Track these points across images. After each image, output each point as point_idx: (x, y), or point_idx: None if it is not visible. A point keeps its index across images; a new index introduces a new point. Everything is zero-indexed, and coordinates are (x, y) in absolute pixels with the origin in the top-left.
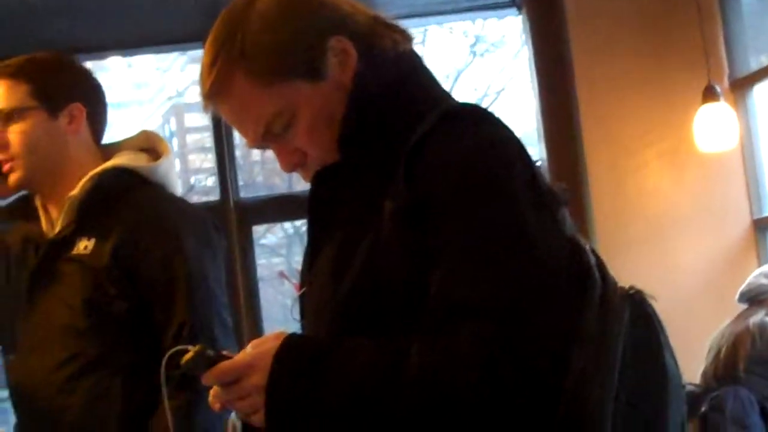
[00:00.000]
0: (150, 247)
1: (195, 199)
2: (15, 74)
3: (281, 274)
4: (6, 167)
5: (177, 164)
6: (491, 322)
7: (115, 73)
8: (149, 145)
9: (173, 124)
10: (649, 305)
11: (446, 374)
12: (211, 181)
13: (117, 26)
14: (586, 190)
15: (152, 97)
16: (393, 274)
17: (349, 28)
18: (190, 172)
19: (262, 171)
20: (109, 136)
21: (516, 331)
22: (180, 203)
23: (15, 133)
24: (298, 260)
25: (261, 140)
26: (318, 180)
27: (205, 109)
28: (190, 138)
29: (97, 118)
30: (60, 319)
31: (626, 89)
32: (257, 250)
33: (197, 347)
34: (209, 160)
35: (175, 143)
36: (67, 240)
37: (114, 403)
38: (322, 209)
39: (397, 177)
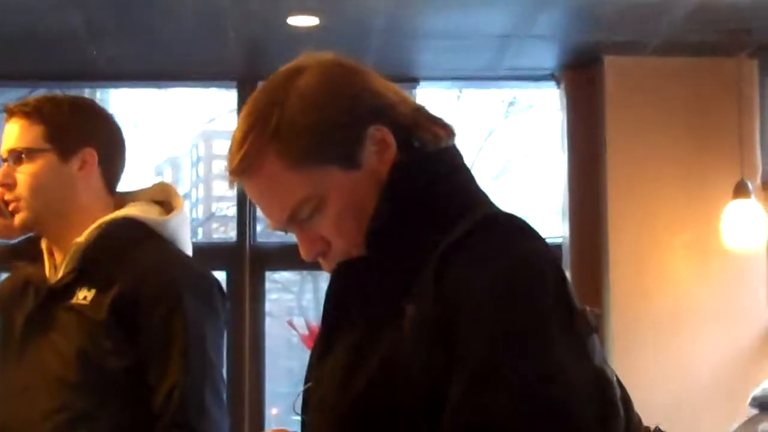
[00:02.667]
0: (151, 304)
1: (214, 227)
2: (31, 114)
3: (290, 323)
4: (11, 207)
5: (201, 190)
6: None
7: (147, 93)
8: (164, 197)
9: (201, 150)
10: None
11: None
12: (233, 211)
13: (155, 57)
14: (605, 272)
15: (182, 120)
16: (408, 382)
17: (391, 117)
18: (213, 199)
19: None
20: (136, 154)
21: None
22: (187, 262)
23: (23, 173)
24: (308, 298)
25: (285, 224)
26: (339, 272)
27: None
28: (216, 165)
29: (112, 165)
30: (51, 369)
31: (658, 175)
32: (268, 285)
33: None
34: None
35: (201, 169)
36: (67, 287)
37: None
38: (340, 302)
39: (424, 281)
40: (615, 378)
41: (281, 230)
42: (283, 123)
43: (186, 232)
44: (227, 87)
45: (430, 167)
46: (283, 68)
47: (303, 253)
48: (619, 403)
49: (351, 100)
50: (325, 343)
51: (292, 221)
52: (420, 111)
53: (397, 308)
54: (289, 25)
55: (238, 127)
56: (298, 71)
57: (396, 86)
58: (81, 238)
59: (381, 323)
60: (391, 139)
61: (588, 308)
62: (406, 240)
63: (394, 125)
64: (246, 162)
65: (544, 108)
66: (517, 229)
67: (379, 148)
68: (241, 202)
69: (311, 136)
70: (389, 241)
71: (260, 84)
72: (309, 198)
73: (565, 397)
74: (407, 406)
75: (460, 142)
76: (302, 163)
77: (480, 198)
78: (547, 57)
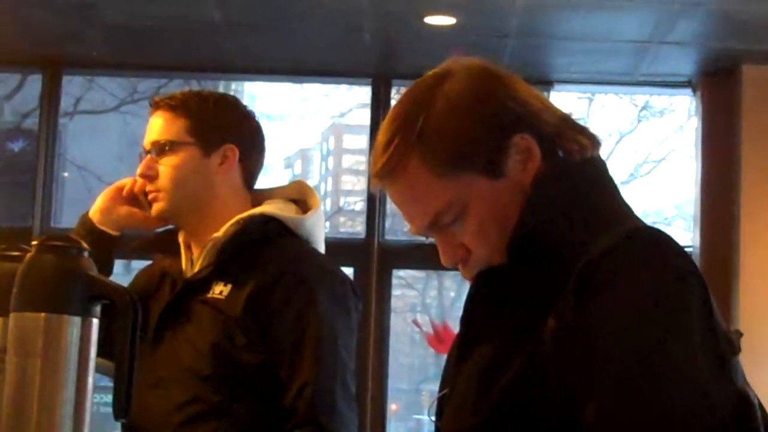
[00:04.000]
0: (285, 301)
1: (341, 221)
2: (176, 108)
3: (415, 322)
4: (150, 197)
5: (330, 184)
6: None
7: (279, 86)
8: (300, 196)
9: (331, 143)
10: None
11: None
12: (360, 206)
13: (291, 53)
14: (735, 283)
15: (314, 113)
16: (545, 395)
17: (536, 126)
18: (341, 193)
19: None
20: (268, 148)
21: None
22: (322, 260)
23: (166, 165)
24: (432, 296)
25: (426, 229)
26: (480, 280)
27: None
28: (346, 159)
29: (251, 163)
30: (185, 361)
31: None
32: (393, 281)
33: None
34: (361, 183)
35: (330, 162)
36: (203, 281)
37: None
38: (479, 311)
39: (566, 294)
40: (757, 401)
41: (422, 235)
42: (428, 128)
43: (321, 231)
44: (362, 84)
45: (575, 178)
46: (430, 73)
47: (443, 260)
48: (762, 428)
49: (497, 107)
50: (463, 350)
51: (433, 227)
52: (565, 120)
53: (537, 320)
54: (426, 24)
55: (382, 131)
56: (445, 76)
57: (541, 94)
58: (219, 234)
59: (520, 334)
60: (535, 149)
61: (732, 328)
62: (548, 252)
63: (538, 134)
64: (390, 165)
65: (677, 113)
66: (663, 244)
67: (523, 158)
68: (371, 198)
69: (456, 142)
70: (532, 252)
71: (395, 81)
72: (452, 204)
73: (708, 421)
74: (543, 418)
75: None
76: (446, 169)
77: (625, 211)
78: (685, 64)
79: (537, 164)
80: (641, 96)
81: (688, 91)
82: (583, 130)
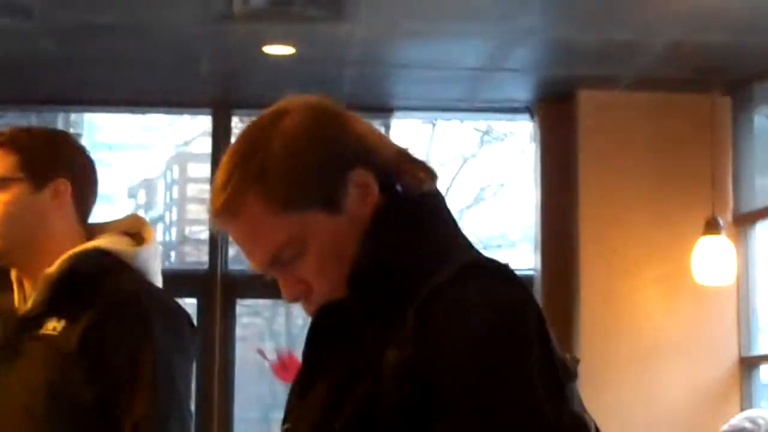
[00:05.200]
0: (120, 334)
1: (187, 250)
2: (4, 144)
3: (260, 352)
4: None
5: (174, 213)
6: None
7: (122, 116)
8: (135, 228)
9: (176, 172)
10: None
11: None
12: (205, 234)
13: (129, 84)
14: (576, 305)
15: (158, 142)
16: (386, 426)
17: (374, 160)
18: (186, 222)
19: None
20: (111, 178)
21: None
22: (157, 293)
23: None
24: (279, 323)
25: (266, 267)
26: (320, 314)
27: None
28: (191, 188)
29: (84, 197)
30: (18, 400)
31: (630, 209)
32: (239, 309)
33: None
34: (207, 212)
35: (175, 191)
36: (36, 318)
37: None
38: (320, 344)
39: (406, 326)
40: (593, 424)
41: (262, 272)
42: (266, 167)
43: (156, 264)
44: (202, 114)
45: (413, 212)
46: (267, 111)
47: (285, 296)
48: None
49: (334, 144)
50: (305, 383)
51: (274, 264)
52: (403, 154)
53: (377, 352)
54: (265, 54)
55: (221, 170)
56: (281, 114)
57: (379, 129)
58: (51, 269)
59: (361, 366)
60: (373, 183)
61: (568, 355)
62: (387, 284)
63: (376, 169)
64: (228, 204)
65: (519, 137)
66: (499, 275)
67: (361, 192)
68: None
69: (294, 181)
70: (371, 285)
71: (235, 111)
72: (291, 242)
73: None
74: None
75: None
76: (285, 207)
77: (462, 243)
78: (522, 90)
79: (375, 198)
80: (483, 121)
81: (527, 116)
82: (420, 164)
